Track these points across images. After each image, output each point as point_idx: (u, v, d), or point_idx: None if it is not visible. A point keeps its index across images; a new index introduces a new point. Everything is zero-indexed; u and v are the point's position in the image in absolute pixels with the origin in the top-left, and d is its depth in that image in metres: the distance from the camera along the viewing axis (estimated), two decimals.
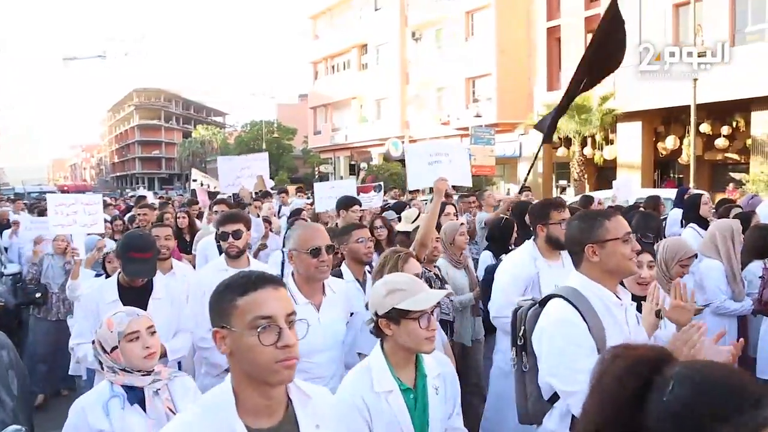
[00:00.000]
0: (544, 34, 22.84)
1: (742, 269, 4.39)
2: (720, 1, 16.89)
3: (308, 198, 12.19)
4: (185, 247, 6.40)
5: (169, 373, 2.44)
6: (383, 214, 5.82)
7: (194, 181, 12.11)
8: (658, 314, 2.39)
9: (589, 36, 21.71)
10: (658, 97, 17.22)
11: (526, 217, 4.41)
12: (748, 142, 17.44)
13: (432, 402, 2.12)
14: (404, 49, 29.88)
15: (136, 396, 2.32)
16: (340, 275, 3.41)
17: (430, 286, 3.19)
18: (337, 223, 5.41)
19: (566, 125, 20.09)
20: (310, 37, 38.40)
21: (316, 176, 36.51)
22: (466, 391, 3.47)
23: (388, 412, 2.04)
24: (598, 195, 9.43)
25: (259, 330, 1.41)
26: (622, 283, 2.44)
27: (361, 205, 5.81)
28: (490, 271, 4.42)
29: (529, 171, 6.04)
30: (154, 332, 2.43)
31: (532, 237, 3.65)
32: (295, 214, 6.84)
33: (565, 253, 3.43)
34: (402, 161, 27.34)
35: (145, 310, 3.11)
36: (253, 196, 7.24)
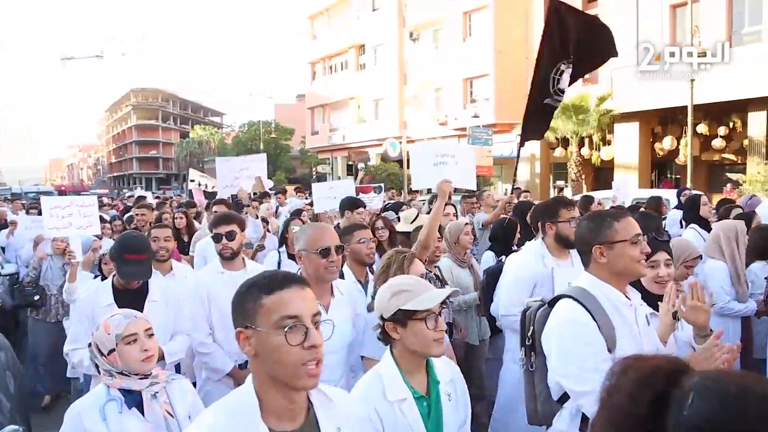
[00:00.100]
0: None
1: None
2: (717, 2, 16.94)
3: (307, 198, 12.17)
4: (183, 248, 6.38)
5: (166, 376, 2.42)
6: (383, 215, 5.82)
7: (192, 181, 12.08)
8: (675, 315, 2.37)
9: None
10: (656, 98, 17.25)
11: (528, 218, 4.42)
12: (745, 142, 17.48)
13: (446, 409, 2.06)
14: (402, 50, 29.87)
15: (133, 399, 2.29)
16: (341, 276, 3.40)
17: None
18: (338, 224, 5.41)
19: (564, 126, 20.13)
20: (308, 38, 38.38)
21: (314, 176, 36.48)
22: (470, 392, 3.46)
23: (402, 422, 1.97)
24: (597, 195, 9.45)
25: (286, 330, 1.39)
26: (639, 282, 2.41)
27: (365, 207, 5.79)
28: (491, 273, 4.43)
29: (515, 172, 6.08)
30: (152, 335, 2.40)
31: (541, 236, 3.62)
32: (296, 214, 6.83)
33: (574, 252, 3.41)
34: (399, 162, 27.37)
35: (141, 312, 3.15)
36: (251, 197, 7.24)
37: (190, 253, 6.09)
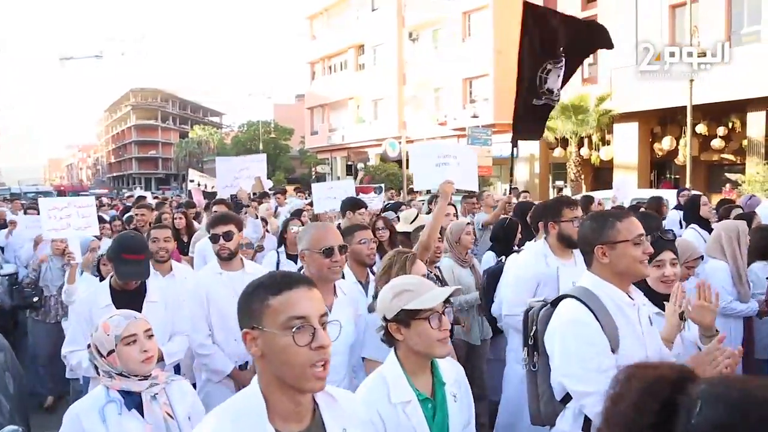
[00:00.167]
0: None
1: None
2: (716, 3, 16.96)
3: (307, 198, 12.17)
4: (182, 248, 6.38)
5: (166, 377, 2.41)
6: (383, 215, 5.82)
7: (191, 181, 12.07)
8: (682, 316, 2.35)
9: None
10: (655, 98, 17.27)
11: (528, 218, 4.41)
12: (744, 143, 17.50)
13: (451, 410, 2.02)
14: (401, 50, 29.88)
15: (133, 401, 2.27)
16: (342, 276, 3.40)
17: None
18: (339, 224, 5.41)
19: (563, 126, 20.15)
20: (307, 38, 38.38)
21: (313, 176, 36.48)
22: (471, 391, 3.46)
23: (406, 425, 1.93)
24: (597, 195, 9.45)
25: (294, 330, 1.38)
26: (644, 282, 2.40)
27: (367, 208, 5.77)
28: (491, 274, 4.44)
29: (511, 172, 6.05)
30: (152, 336, 2.38)
31: (544, 236, 3.62)
32: (296, 215, 6.82)
33: (577, 252, 3.40)
34: (399, 162, 27.38)
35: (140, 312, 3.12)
36: (251, 197, 7.23)
37: (190, 254, 6.08)
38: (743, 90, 15.69)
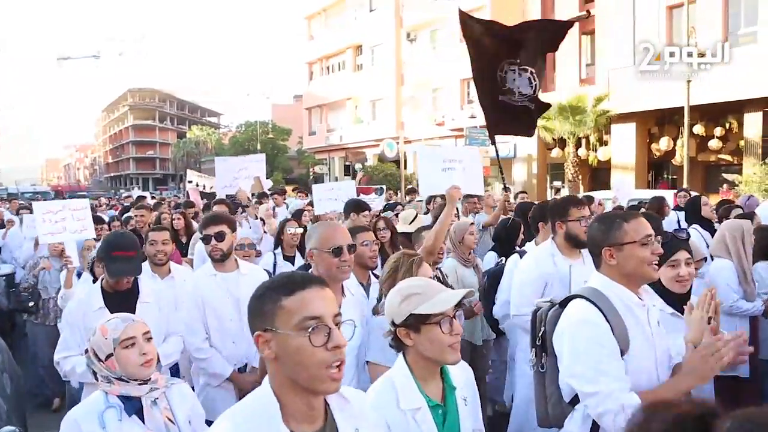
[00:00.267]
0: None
1: None
2: (713, 4, 17.01)
3: (307, 198, 12.16)
4: (181, 249, 6.36)
5: (165, 381, 2.37)
6: (383, 215, 5.82)
7: (189, 182, 12.05)
8: (710, 321, 2.27)
9: (584, 37, 21.87)
10: (652, 99, 17.30)
11: (528, 218, 4.41)
12: (741, 143, 17.55)
13: (462, 415, 1.96)
14: (399, 50, 29.89)
15: (133, 406, 2.23)
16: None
17: None
18: None
19: (561, 126, 20.18)
20: (305, 38, 38.37)
21: (311, 177, 36.47)
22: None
23: None
24: (596, 196, 9.47)
25: (309, 330, 1.35)
26: (659, 282, 2.34)
27: (370, 210, 5.73)
28: (492, 275, 4.45)
29: (500, 170, 6.07)
30: (151, 338, 2.34)
31: (551, 236, 3.61)
32: (296, 216, 6.81)
33: (585, 251, 3.39)
34: (396, 162, 27.39)
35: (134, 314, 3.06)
36: (250, 197, 7.22)
37: (189, 255, 6.04)
38: (740, 91, 15.73)
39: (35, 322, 5.93)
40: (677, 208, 8.07)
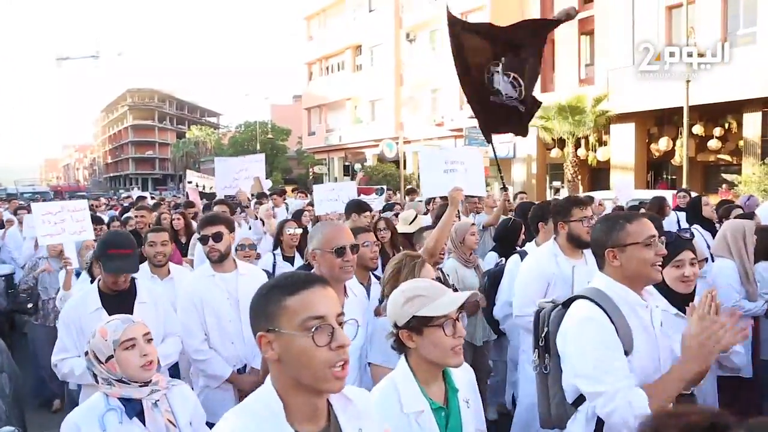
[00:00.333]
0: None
1: None
2: (712, 4, 17.01)
3: (307, 198, 12.15)
4: (180, 249, 6.36)
5: (166, 383, 2.34)
6: (383, 216, 5.81)
7: (189, 183, 12.04)
8: None
9: (583, 37, 21.88)
10: (652, 99, 17.31)
11: (528, 218, 4.41)
12: (740, 143, 17.56)
13: (465, 417, 1.95)
14: (399, 51, 29.89)
15: (133, 409, 2.20)
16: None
17: None
18: None
19: (560, 126, 20.18)
20: (304, 38, 38.37)
21: (311, 177, 36.47)
22: None
23: None
24: (596, 196, 9.46)
25: (313, 330, 1.34)
26: (663, 282, 2.33)
27: (372, 211, 5.72)
28: (492, 276, 4.45)
29: (499, 169, 6.08)
30: (151, 340, 2.32)
31: (554, 236, 3.61)
32: (296, 216, 6.80)
33: (587, 252, 3.41)
34: (396, 162, 27.39)
35: (131, 315, 2.98)
36: (250, 198, 7.22)
37: (189, 256, 6.02)
38: (739, 91, 15.74)
39: (35, 322, 5.92)
40: (677, 208, 8.08)
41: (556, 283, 3.41)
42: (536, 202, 6.26)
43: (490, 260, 5.01)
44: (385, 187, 17.41)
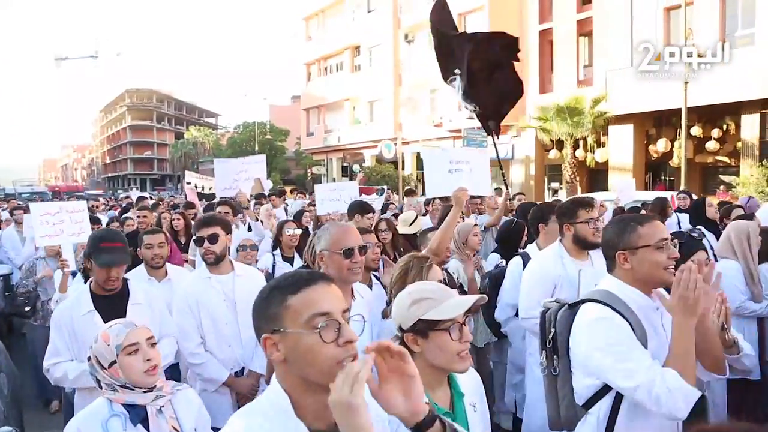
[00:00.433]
0: (536, 37, 22.91)
1: None
2: (710, 5, 17.04)
3: (306, 198, 12.14)
4: (180, 249, 6.34)
5: (171, 387, 2.30)
6: (383, 216, 5.81)
7: (188, 184, 12.04)
8: (723, 327, 2.24)
9: (582, 38, 21.90)
10: (650, 100, 17.33)
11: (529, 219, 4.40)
12: (739, 145, 17.59)
13: (471, 422, 1.90)
14: (397, 51, 29.89)
15: (138, 415, 2.16)
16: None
17: None
18: None
19: (558, 127, 20.20)
20: (302, 39, 38.36)
21: (309, 178, 36.47)
22: None
23: None
24: (597, 197, 9.44)
25: (319, 327, 1.31)
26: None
27: (374, 212, 5.70)
28: (493, 278, 4.43)
29: (502, 168, 6.07)
30: (155, 343, 2.28)
31: (559, 238, 3.60)
32: (297, 217, 6.79)
33: (593, 253, 3.40)
34: (394, 163, 27.38)
35: (124, 316, 2.95)
36: (249, 199, 7.21)
37: (190, 257, 6.02)
38: (737, 92, 15.76)
39: (34, 323, 5.91)
40: (677, 210, 8.08)
41: (562, 285, 3.40)
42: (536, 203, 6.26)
43: (492, 261, 5.00)
44: (385, 187, 17.38)
